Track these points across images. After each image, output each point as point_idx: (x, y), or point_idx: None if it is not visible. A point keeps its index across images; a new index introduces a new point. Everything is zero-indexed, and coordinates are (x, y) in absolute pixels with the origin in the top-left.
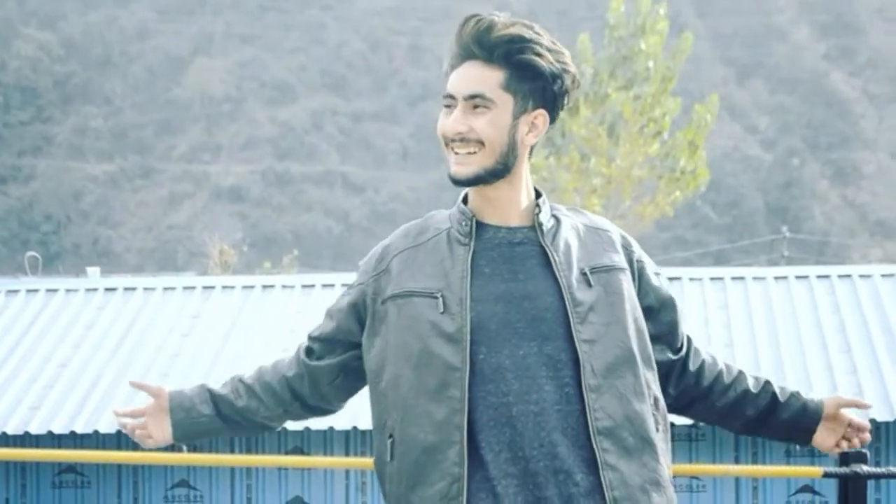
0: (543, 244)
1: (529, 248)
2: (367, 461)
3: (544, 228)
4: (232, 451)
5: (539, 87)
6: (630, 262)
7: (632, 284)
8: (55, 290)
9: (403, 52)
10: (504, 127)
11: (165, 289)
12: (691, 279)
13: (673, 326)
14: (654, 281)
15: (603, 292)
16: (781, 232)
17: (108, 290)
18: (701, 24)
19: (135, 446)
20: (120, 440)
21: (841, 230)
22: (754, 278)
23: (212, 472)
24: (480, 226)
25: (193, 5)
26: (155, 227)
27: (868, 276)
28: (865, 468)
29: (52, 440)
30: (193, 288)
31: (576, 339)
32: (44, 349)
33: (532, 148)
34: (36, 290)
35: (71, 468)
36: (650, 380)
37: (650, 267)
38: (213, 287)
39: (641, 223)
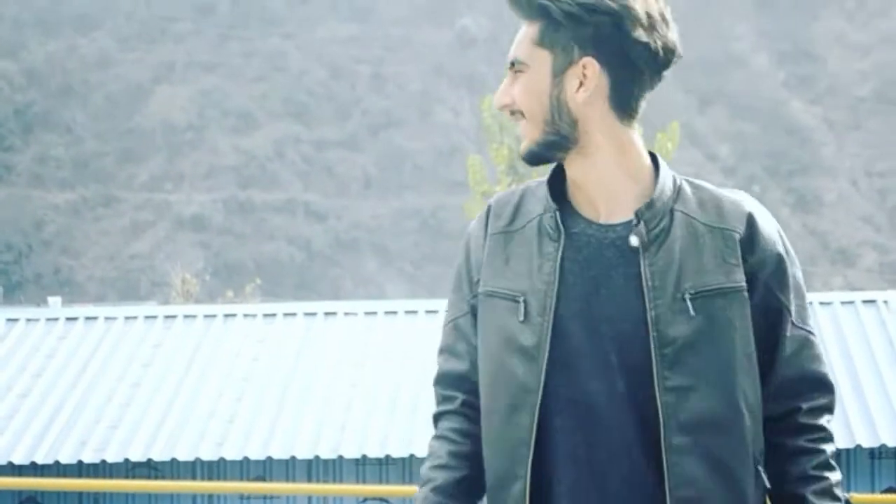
0: (639, 255)
1: (620, 255)
2: (331, 487)
3: (647, 229)
4: (194, 478)
5: (582, 33)
6: (752, 275)
7: (747, 308)
8: (15, 320)
9: (366, 81)
10: (542, 89)
11: (127, 318)
12: None
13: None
14: (778, 314)
15: (706, 324)
16: None
17: (69, 319)
18: None
19: (95, 478)
20: (81, 471)
21: (802, 257)
22: None
23: (173, 500)
24: (571, 216)
25: (154, 34)
26: (117, 257)
27: (828, 304)
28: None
29: (13, 470)
30: (155, 317)
31: (657, 388)
32: (3, 379)
33: (625, 110)
34: None
35: (31, 498)
36: (753, 440)
37: (781, 289)
38: (174, 316)
39: None
